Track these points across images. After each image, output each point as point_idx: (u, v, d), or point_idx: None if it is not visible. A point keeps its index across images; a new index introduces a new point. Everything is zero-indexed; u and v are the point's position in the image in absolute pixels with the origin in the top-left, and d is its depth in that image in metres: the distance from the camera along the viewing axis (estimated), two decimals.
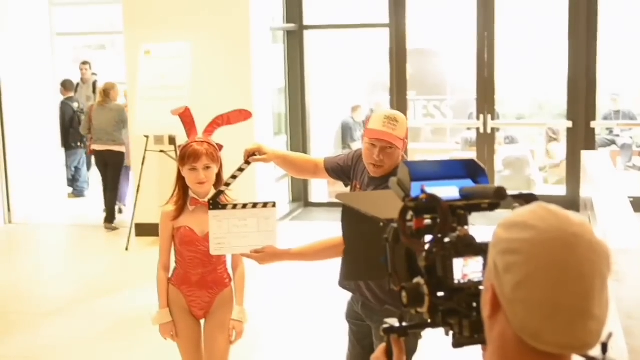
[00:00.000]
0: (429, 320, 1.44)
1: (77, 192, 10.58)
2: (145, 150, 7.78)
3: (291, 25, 9.22)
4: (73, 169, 10.49)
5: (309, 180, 9.61)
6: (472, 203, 1.46)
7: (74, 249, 8.39)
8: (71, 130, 10.22)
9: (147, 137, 7.80)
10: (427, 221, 1.45)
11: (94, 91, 10.84)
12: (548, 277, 1.14)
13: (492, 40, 8.73)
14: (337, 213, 1.88)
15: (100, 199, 9.00)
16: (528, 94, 12.13)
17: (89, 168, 10.87)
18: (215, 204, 3.19)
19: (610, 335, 1.23)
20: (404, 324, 1.54)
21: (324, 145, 10.28)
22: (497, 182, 9.07)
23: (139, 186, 7.86)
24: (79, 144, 10.34)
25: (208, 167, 3.36)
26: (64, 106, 10.30)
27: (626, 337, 3.09)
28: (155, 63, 7.82)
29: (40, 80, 9.61)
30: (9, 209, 9.05)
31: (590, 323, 1.15)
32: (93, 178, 10.89)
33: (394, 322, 1.55)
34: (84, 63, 11.07)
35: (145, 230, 8.05)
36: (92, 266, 7.41)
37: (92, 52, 13.60)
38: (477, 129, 9.00)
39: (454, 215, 1.42)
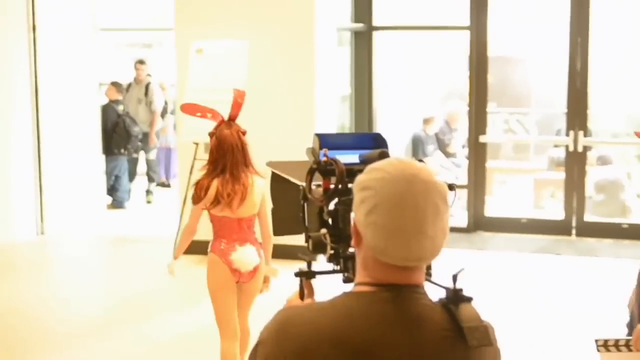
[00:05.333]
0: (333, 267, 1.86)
1: (117, 203, 9.91)
2: (194, 158, 7.14)
3: (359, 26, 8.64)
4: (113, 177, 9.88)
5: None
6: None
7: (110, 265, 7.93)
8: (114, 135, 9.68)
9: (196, 144, 7.20)
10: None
11: (146, 93, 10.25)
12: (391, 205, 1.50)
13: (585, 47, 7.96)
14: None
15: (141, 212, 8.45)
16: (625, 109, 11.31)
17: (131, 178, 10.25)
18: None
19: (461, 270, 1.58)
20: (313, 269, 1.91)
21: None
22: (589, 209, 8.30)
23: (185, 197, 7.20)
24: (121, 150, 9.76)
25: None
26: (108, 109, 9.77)
27: None
28: (208, 63, 7.31)
29: (81, 79, 9.00)
30: (42, 219, 8.53)
31: (424, 241, 1.51)
32: (135, 189, 10.36)
33: (304, 267, 1.90)
34: (141, 62, 10.42)
35: (191, 247, 7.38)
36: (129, 284, 6.95)
37: (138, 50, 13.06)
38: (566, 147, 8.19)
39: (352, 175, 1.67)
